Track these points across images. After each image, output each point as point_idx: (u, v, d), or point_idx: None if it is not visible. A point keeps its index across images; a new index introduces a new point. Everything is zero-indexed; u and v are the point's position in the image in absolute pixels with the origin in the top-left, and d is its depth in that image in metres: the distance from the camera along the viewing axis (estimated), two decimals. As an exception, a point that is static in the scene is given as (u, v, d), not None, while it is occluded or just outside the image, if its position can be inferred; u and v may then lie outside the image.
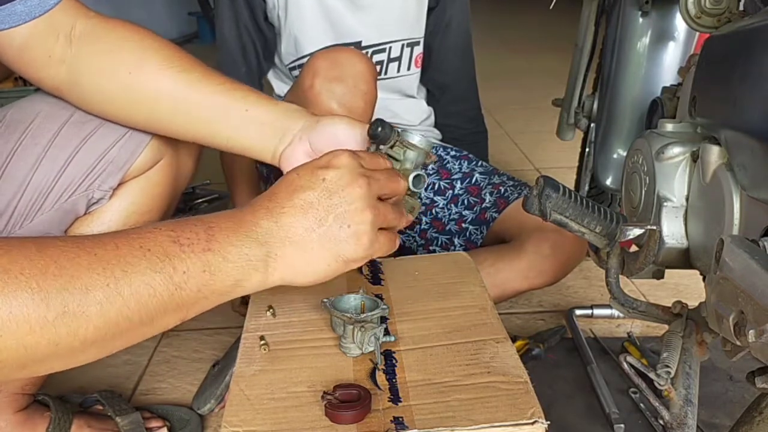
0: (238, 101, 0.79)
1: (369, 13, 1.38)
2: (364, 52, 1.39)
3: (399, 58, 1.44)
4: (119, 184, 0.86)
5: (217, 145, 0.83)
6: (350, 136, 0.77)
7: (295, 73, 1.43)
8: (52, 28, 0.78)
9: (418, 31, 1.45)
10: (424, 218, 1.43)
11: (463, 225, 1.39)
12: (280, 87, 1.50)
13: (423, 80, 1.54)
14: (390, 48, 1.42)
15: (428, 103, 1.57)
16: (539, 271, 1.23)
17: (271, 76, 1.52)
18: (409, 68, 1.46)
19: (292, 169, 0.64)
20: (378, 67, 1.40)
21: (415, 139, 0.74)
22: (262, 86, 1.50)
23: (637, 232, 0.78)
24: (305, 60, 1.39)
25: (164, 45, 0.81)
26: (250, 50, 1.42)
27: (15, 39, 0.77)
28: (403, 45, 1.42)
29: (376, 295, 0.87)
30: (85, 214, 0.86)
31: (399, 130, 0.75)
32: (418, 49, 1.46)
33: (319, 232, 0.60)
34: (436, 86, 1.56)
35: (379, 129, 0.72)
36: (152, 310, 0.53)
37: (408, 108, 1.50)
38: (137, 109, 0.81)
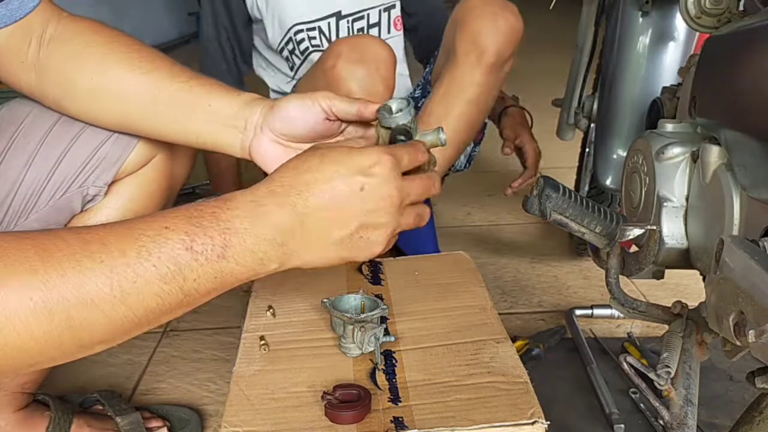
0: (202, 97, 0.78)
1: None
2: (345, 20, 1.44)
3: (378, 24, 1.48)
4: (114, 182, 0.86)
5: (189, 143, 0.81)
6: (302, 112, 0.75)
7: (285, 54, 1.46)
8: (26, 32, 0.77)
9: None
10: None
11: None
12: (273, 81, 1.54)
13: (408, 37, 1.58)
14: (368, 15, 1.46)
15: (417, 54, 1.61)
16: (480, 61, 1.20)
17: (261, 72, 1.55)
18: (389, 31, 1.50)
19: (333, 161, 0.60)
20: (360, 34, 1.45)
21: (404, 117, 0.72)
22: (243, 86, 1.52)
23: (637, 232, 0.78)
24: (291, 34, 1.43)
25: (129, 46, 0.80)
26: (228, 50, 1.47)
27: None
28: (380, 10, 1.47)
29: (376, 295, 0.87)
30: (81, 211, 0.86)
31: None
32: (395, 12, 1.50)
33: (337, 235, 0.59)
34: (413, 30, 1.59)
35: (402, 130, 0.70)
36: (159, 315, 0.53)
37: None
38: (107, 112, 0.81)
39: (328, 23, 1.43)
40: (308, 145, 0.77)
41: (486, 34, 1.18)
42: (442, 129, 0.72)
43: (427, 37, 1.56)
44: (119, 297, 0.50)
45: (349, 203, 0.59)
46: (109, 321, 0.50)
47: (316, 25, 1.42)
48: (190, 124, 0.79)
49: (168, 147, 0.89)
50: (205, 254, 0.53)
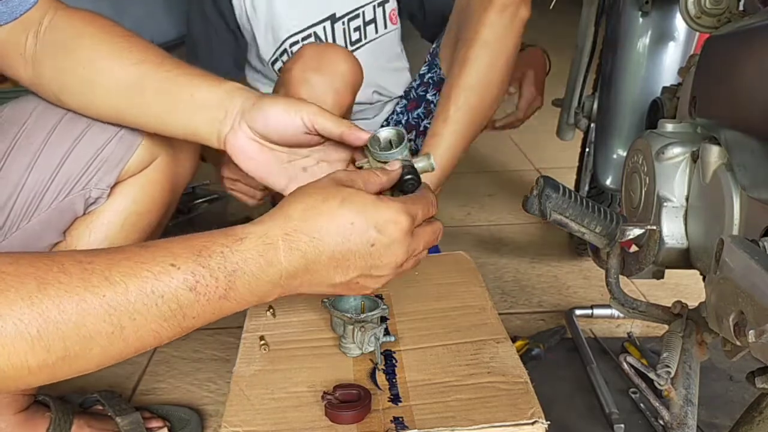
0: (184, 87, 0.77)
1: None
2: (339, 22, 1.42)
3: (374, 20, 1.47)
4: (117, 184, 0.86)
5: (176, 135, 0.80)
6: (283, 121, 0.73)
7: (278, 65, 1.44)
8: (24, 26, 0.78)
9: None
10: None
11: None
12: (265, 90, 1.51)
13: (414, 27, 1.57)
14: (363, 12, 1.45)
15: (423, 34, 1.59)
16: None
17: (256, 84, 1.53)
18: (385, 26, 1.49)
19: (352, 210, 0.59)
20: (357, 33, 1.44)
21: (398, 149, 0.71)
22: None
23: (637, 232, 0.78)
24: (287, 46, 1.41)
25: (120, 36, 0.79)
26: (217, 54, 1.46)
27: None
28: (374, 6, 1.46)
29: (376, 295, 0.87)
30: (84, 213, 0.86)
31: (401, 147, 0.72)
32: (389, 6, 1.49)
33: (337, 280, 0.60)
34: (415, 15, 1.57)
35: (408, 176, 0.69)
36: (153, 345, 0.54)
37: (390, 79, 1.52)
38: (99, 104, 0.80)
39: (323, 27, 1.41)
40: (282, 148, 0.77)
41: None
42: (430, 155, 0.73)
43: (432, 14, 1.54)
44: (118, 333, 0.50)
45: (356, 257, 0.59)
46: (105, 353, 0.51)
47: (311, 31, 1.40)
48: (174, 115, 0.78)
49: (171, 148, 0.89)
50: (207, 295, 0.53)
